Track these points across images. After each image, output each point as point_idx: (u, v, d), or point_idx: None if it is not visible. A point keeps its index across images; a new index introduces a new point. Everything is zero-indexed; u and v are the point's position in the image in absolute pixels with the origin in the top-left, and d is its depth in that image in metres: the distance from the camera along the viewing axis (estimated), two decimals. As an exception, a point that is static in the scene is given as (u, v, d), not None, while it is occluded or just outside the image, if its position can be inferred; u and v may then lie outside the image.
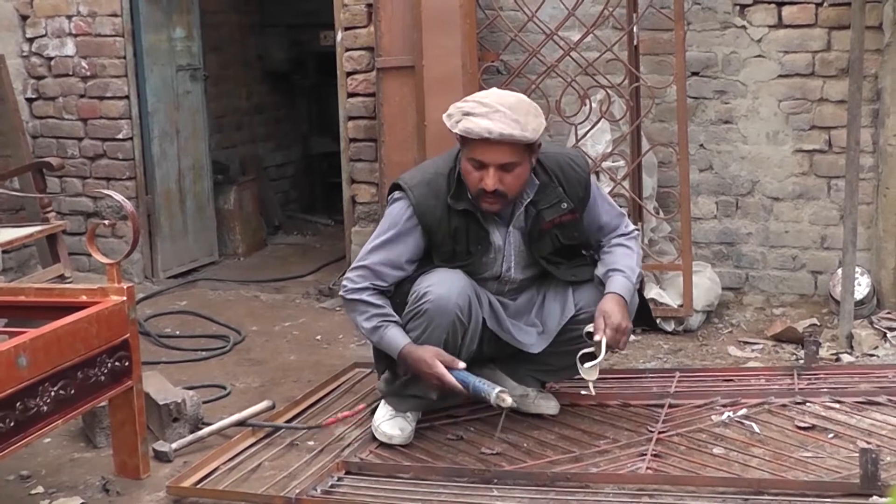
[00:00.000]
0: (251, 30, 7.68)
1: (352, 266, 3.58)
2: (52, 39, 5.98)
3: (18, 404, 2.92)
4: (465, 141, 3.39)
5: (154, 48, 5.94)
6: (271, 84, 7.88)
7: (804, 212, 5.01)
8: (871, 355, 4.33)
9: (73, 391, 3.12)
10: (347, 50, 5.43)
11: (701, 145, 5.10)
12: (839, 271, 4.66)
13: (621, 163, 4.90)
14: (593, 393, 3.46)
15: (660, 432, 3.53)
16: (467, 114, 3.36)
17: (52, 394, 3.04)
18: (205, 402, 3.94)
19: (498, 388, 3.35)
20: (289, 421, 3.80)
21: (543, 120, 3.44)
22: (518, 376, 3.77)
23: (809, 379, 3.95)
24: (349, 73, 5.44)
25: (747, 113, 5.03)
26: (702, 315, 4.81)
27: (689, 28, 4.93)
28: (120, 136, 5.92)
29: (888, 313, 4.65)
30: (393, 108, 5.05)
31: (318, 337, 4.95)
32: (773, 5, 4.92)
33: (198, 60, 6.27)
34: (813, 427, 3.55)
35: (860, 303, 4.60)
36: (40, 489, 3.38)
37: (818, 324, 4.69)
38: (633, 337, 3.61)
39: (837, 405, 3.71)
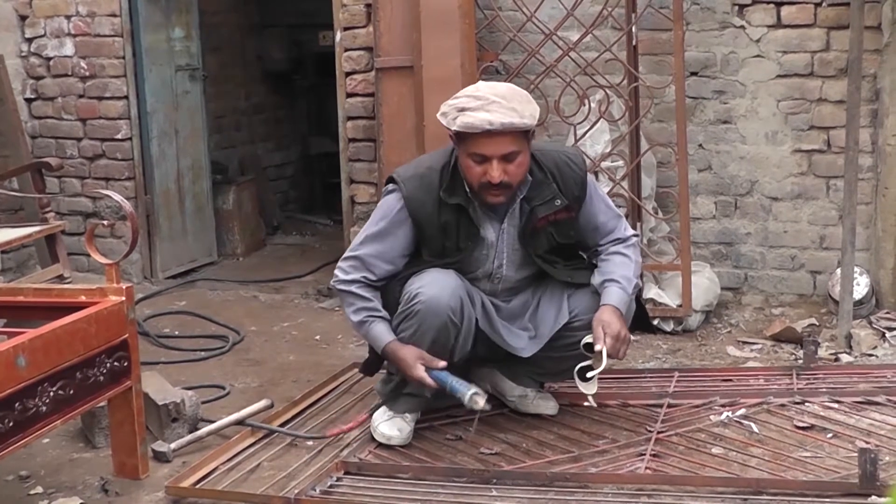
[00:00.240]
0: (250, 30, 7.68)
1: (344, 255, 3.59)
2: (51, 40, 5.98)
3: (17, 404, 2.92)
4: (464, 136, 3.37)
5: (153, 48, 5.94)
6: (270, 84, 7.88)
7: (803, 212, 5.02)
8: (870, 355, 4.33)
9: (71, 391, 3.12)
10: (346, 50, 5.42)
11: (700, 145, 5.10)
12: (838, 271, 4.66)
13: (620, 163, 4.90)
14: (594, 405, 3.46)
15: (659, 432, 3.53)
16: (463, 109, 3.35)
17: (51, 394, 3.04)
18: (204, 403, 3.94)
19: (472, 390, 3.35)
20: (288, 421, 3.80)
21: (536, 105, 3.44)
22: (516, 377, 3.76)
23: (808, 379, 3.95)
24: (348, 74, 5.44)
25: (746, 113, 5.03)
26: (701, 315, 4.81)
27: (687, 28, 4.93)
28: (119, 137, 5.91)
29: (887, 313, 4.65)
30: (392, 109, 5.05)
31: (317, 337, 4.95)
32: (771, 5, 4.93)
33: (197, 60, 6.27)
34: (812, 427, 3.56)
35: (859, 303, 4.60)
36: (39, 489, 3.38)
37: (817, 324, 4.69)
38: (632, 337, 3.60)
39: (836, 405, 3.71)
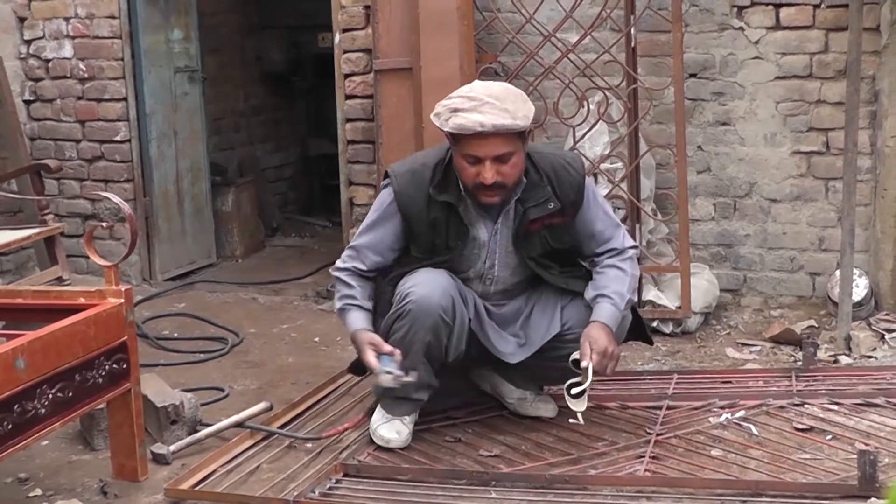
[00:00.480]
0: (249, 31, 7.68)
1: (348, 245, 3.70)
2: (50, 41, 5.98)
3: (16, 407, 2.92)
4: (458, 137, 3.37)
5: (152, 50, 5.94)
6: (269, 86, 7.88)
7: (802, 213, 5.02)
8: (869, 357, 4.33)
9: (70, 393, 3.12)
10: (345, 52, 5.42)
11: (699, 147, 5.10)
12: (837, 273, 4.66)
13: (619, 164, 4.90)
14: (581, 422, 3.43)
15: (658, 434, 3.53)
16: (456, 110, 3.34)
17: (50, 396, 3.04)
18: (203, 405, 3.94)
19: (385, 369, 3.35)
20: (287, 423, 3.80)
21: (531, 105, 3.42)
22: (515, 380, 3.76)
23: (807, 381, 3.95)
24: (347, 75, 5.44)
25: (745, 115, 5.03)
26: (700, 317, 4.81)
27: (686, 30, 4.93)
28: (118, 138, 5.91)
29: (886, 315, 4.65)
30: (391, 110, 5.05)
31: (317, 339, 4.95)
32: (770, 7, 4.93)
33: (196, 62, 6.27)
34: (811, 429, 3.56)
35: (858, 304, 4.60)
36: (38, 492, 3.37)
37: (816, 325, 4.69)
38: (621, 353, 3.56)
39: (835, 407, 3.71)
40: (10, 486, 3.44)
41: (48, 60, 6.00)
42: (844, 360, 4.30)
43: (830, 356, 4.32)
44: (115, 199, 3.59)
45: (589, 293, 3.53)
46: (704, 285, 4.84)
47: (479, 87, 3.46)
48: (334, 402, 4.01)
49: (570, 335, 3.52)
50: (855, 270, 4.60)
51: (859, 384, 3.90)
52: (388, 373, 3.35)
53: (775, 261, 5.09)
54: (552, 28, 4.87)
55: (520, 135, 3.38)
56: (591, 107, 4.79)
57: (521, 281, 3.61)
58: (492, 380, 3.80)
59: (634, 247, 3.66)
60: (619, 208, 4.81)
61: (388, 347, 3.40)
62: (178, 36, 6.13)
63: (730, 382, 4.02)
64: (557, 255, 3.57)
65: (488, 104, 3.32)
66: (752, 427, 3.59)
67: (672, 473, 3.26)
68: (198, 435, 3.68)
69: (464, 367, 3.73)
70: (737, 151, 5.07)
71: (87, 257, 3.61)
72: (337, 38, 5.44)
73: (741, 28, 4.98)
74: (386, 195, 3.55)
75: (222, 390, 4.26)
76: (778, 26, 4.93)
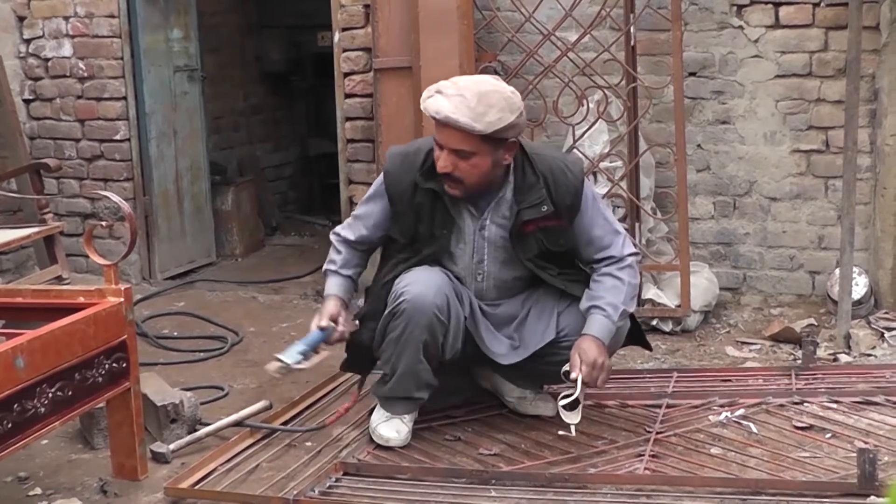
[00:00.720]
0: (249, 31, 7.68)
1: None
2: (50, 40, 5.98)
3: (16, 406, 2.92)
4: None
5: (151, 49, 5.94)
6: (269, 85, 7.88)
7: (802, 212, 5.02)
8: (869, 355, 4.33)
9: (70, 392, 3.12)
10: (345, 51, 5.42)
11: (698, 145, 5.10)
12: (837, 271, 4.66)
13: (619, 163, 4.90)
14: (572, 434, 3.42)
15: (657, 433, 3.53)
16: (436, 91, 3.38)
17: (50, 395, 3.04)
18: (203, 403, 3.94)
19: (284, 352, 3.42)
20: (287, 422, 3.80)
21: (512, 117, 3.31)
22: (514, 379, 3.75)
23: (807, 379, 3.95)
24: (346, 74, 5.44)
25: (745, 113, 5.03)
26: (699, 315, 4.81)
27: (686, 28, 4.94)
28: (117, 138, 5.91)
29: (886, 313, 4.65)
30: (390, 109, 5.05)
31: (316, 338, 4.95)
32: (770, 5, 4.93)
33: (195, 61, 6.27)
34: (811, 427, 3.56)
35: (858, 303, 4.60)
36: (38, 491, 3.38)
37: (816, 324, 4.69)
38: (612, 364, 3.54)
39: (835, 405, 3.71)
40: (10, 485, 3.44)
41: (48, 59, 6.00)
42: (844, 358, 4.30)
43: (830, 354, 4.32)
44: (115, 198, 3.59)
45: (583, 303, 3.48)
46: (704, 284, 4.84)
47: (472, 80, 3.45)
48: (334, 401, 4.01)
49: (566, 342, 3.49)
50: (854, 269, 4.60)
51: (859, 382, 3.90)
52: (279, 360, 3.39)
53: (775, 259, 5.09)
54: (552, 27, 4.87)
55: (484, 139, 3.32)
56: (591, 105, 4.79)
57: (518, 278, 3.58)
58: (492, 379, 3.80)
59: (635, 254, 3.56)
60: (618, 207, 4.81)
61: (325, 322, 3.45)
62: (177, 35, 6.13)
63: (729, 381, 4.02)
64: (555, 256, 3.54)
65: (458, 97, 3.31)
66: (751, 425, 3.59)
67: (672, 472, 3.26)
68: (197, 434, 3.68)
69: (464, 364, 3.73)
70: (736, 150, 5.07)
71: (87, 256, 3.61)
72: (336, 36, 5.43)
73: (741, 27, 4.98)
74: (381, 175, 3.63)
75: (222, 389, 4.26)
76: (777, 25, 4.93)
